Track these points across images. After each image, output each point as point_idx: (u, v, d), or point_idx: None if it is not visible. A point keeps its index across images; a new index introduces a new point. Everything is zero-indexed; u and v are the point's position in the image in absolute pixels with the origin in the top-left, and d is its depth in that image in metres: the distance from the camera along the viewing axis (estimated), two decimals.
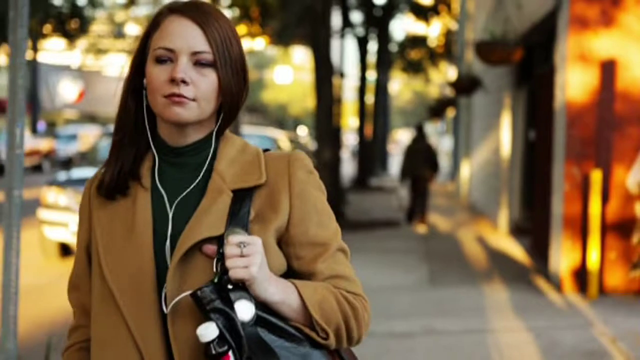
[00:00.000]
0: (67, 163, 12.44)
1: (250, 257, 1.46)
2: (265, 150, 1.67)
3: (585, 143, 7.94)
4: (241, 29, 23.44)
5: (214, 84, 1.57)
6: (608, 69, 7.86)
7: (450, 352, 6.01)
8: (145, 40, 1.62)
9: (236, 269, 1.45)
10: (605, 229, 7.85)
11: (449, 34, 30.47)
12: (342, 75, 24.37)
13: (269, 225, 1.57)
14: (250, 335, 1.46)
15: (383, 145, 34.50)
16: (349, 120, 45.40)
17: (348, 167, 30.70)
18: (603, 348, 5.99)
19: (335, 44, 20.54)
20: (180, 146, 1.62)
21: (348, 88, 37.14)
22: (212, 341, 1.44)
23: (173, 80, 1.55)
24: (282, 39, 26.00)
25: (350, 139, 43.46)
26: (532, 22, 9.96)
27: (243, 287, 1.47)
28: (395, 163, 39.28)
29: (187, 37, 1.57)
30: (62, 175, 10.28)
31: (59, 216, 9.58)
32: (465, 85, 14.24)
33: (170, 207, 1.60)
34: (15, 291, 3.52)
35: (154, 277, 1.55)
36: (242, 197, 1.58)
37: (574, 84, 7.94)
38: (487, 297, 7.94)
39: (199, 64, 1.57)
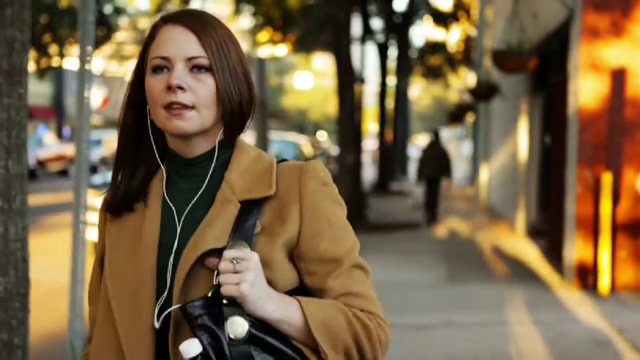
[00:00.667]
0: (93, 168, 12.95)
1: (242, 274, 1.41)
2: (282, 161, 1.62)
3: (597, 147, 8.35)
4: (263, 36, 23.98)
5: (211, 89, 1.54)
6: (618, 76, 8.27)
7: (467, 342, 6.44)
8: (143, 54, 1.60)
9: (227, 285, 1.41)
10: (615, 228, 8.25)
11: (468, 40, 30.83)
12: (362, 81, 24.82)
13: (275, 239, 1.52)
14: (242, 354, 1.42)
15: (403, 150, 34.89)
16: (370, 126, 45.82)
17: (369, 172, 31.13)
18: (609, 338, 6.40)
19: (356, 50, 20.97)
20: (191, 157, 1.59)
21: (369, 93, 37.55)
22: (195, 358, 1.40)
23: (169, 88, 1.52)
24: (303, 46, 26.51)
25: (370, 144, 43.87)
26: (547, 32, 10.38)
27: (238, 303, 1.43)
28: (414, 167, 39.69)
29: (181, 43, 1.54)
30: (97, 178, 10.78)
31: (94, 217, 10.08)
32: (483, 91, 14.66)
33: (179, 219, 1.57)
34: (82, 277, 4.01)
35: (153, 290, 1.52)
36: (249, 208, 1.53)
37: (585, 91, 8.36)
38: (502, 293, 8.36)
39: (195, 69, 1.54)
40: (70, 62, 43.50)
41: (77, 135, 3.93)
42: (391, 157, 28.64)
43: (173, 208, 1.58)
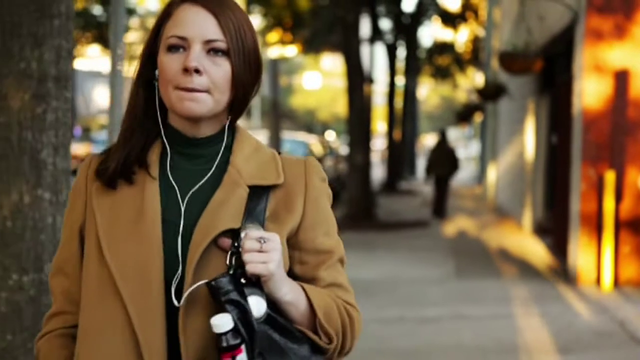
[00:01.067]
0: None
1: (269, 253, 1.44)
2: (279, 153, 1.65)
3: (600, 146, 8.61)
4: (273, 36, 24.28)
5: (227, 74, 1.53)
6: (621, 78, 8.53)
7: (474, 334, 6.70)
8: (157, 31, 1.58)
9: (254, 263, 1.43)
10: (618, 225, 8.51)
11: (476, 41, 31.06)
12: (371, 81, 25.09)
13: (284, 226, 1.56)
14: (261, 332, 1.44)
15: (412, 149, 35.13)
16: (378, 125, 46.06)
17: (377, 171, 31.38)
18: (611, 329, 6.67)
19: (365, 50, 21.25)
20: (194, 137, 1.58)
21: (377, 93, 37.80)
22: (226, 333, 1.40)
23: (186, 70, 1.51)
24: (312, 46, 26.79)
25: (378, 144, 44.13)
26: (553, 34, 10.64)
27: (256, 283, 1.45)
28: (423, 166, 39.97)
29: (200, 25, 1.52)
30: None
31: None
32: (491, 92, 14.93)
33: (183, 198, 1.56)
34: None
35: (161, 266, 1.50)
36: (258, 194, 1.56)
37: (589, 92, 8.62)
38: (509, 288, 8.63)
39: (212, 52, 1.52)
40: (81, 63, 43.90)
41: (110, 136, 4.21)
42: (400, 156, 28.89)
43: (175, 186, 1.57)
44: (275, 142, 16.78)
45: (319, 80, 57.91)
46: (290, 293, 1.49)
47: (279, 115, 17.84)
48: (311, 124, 65.59)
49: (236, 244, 1.47)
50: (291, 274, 1.58)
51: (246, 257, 1.44)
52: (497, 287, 8.72)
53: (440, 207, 16.22)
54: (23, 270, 3.05)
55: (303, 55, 32.79)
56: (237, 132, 1.63)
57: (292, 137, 18.84)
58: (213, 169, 1.58)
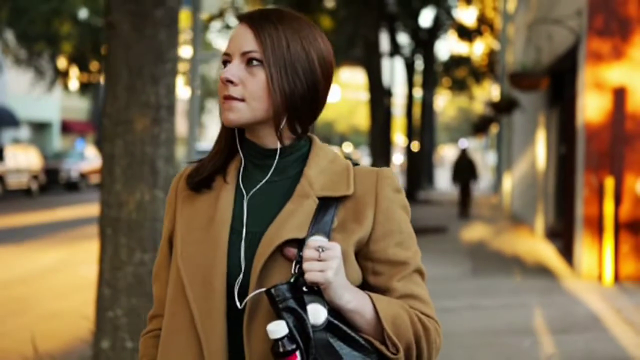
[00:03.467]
0: None
1: (327, 261, 1.47)
2: (355, 164, 1.67)
3: (601, 155, 9.59)
4: None
5: (261, 83, 1.58)
6: (619, 94, 9.53)
7: (488, 320, 7.68)
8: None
9: (312, 271, 1.46)
10: (618, 227, 9.48)
11: (491, 54, 31.89)
12: (390, 94, 26.01)
13: (351, 236, 1.58)
14: (320, 340, 1.47)
15: (430, 160, 35.94)
16: (397, 137, 46.96)
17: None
18: (608, 316, 7.63)
19: (384, 64, 22.20)
20: (266, 148, 1.64)
21: (396, 106, 38.73)
22: (281, 339, 1.45)
23: (224, 82, 1.59)
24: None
25: (397, 158, 45.06)
26: (559, 53, 11.64)
27: (318, 291, 1.49)
28: (441, 177, 40.90)
29: (239, 39, 1.60)
30: None
31: None
32: (504, 105, 15.94)
33: (250, 207, 1.62)
34: None
35: (224, 271, 1.56)
36: (327, 205, 1.59)
37: (591, 107, 9.61)
38: (520, 283, 9.61)
39: (250, 63, 1.59)
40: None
41: (190, 148, 5.24)
42: (418, 167, 29.72)
43: (245, 194, 1.63)
44: None
45: (338, 93, 58.85)
46: (353, 301, 1.51)
47: None
48: (329, 136, 66.57)
49: (300, 253, 1.52)
50: (366, 284, 1.61)
51: (305, 265, 1.48)
52: (509, 282, 9.70)
53: (465, 209, 19.04)
54: (144, 250, 4.09)
55: None
56: (312, 144, 1.67)
57: None
58: (267, 177, 1.64)
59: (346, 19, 20.97)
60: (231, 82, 1.58)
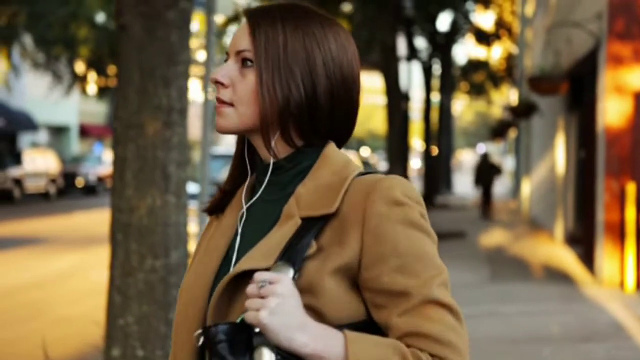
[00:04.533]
0: None
1: (265, 299, 1.24)
2: (366, 173, 1.41)
3: (622, 160, 9.44)
4: None
5: (250, 86, 1.39)
6: None
7: (507, 327, 7.55)
8: None
9: (250, 310, 1.25)
10: None
11: (509, 58, 31.78)
12: (407, 98, 25.94)
13: (328, 264, 1.32)
14: None
15: (447, 165, 35.83)
16: (414, 141, 46.86)
17: (414, 186, 32.13)
18: (631, 325, 7.48)
19: (401, 68, 22.14)
20: (267, 162, 1.43)
21: (413, 110, 38.63)
22: None
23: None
24: None
25: (414, 163, 44.96)
26: (578, 57, 11.49)
27: None
28: (459, 181, 40.75)
29: (237, 37, 1.43)
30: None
31: None
32: (523, 109, 15.79)
33: (243, 230, 1.44)
34: None
35: (203, 305, 1.41)
36: (310, 226, 1.34)
37: (611, 111, 9.46)
38: (539, 290, 9.46)
39: (244, 64, 1.41)
40: None
41: (203, 157, 5.17)
42: (436, 171, 29.61)
43: (244, 216, 1.45)
44: None
45: None
46: (310, 344, 1.26)
47: None
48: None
49: None
50: (372, 320, 1.35)
51: (246, 303, 1.26)
52: (529, 289, 9.56)
53: (487, 211, 20.18)
54: (155, 256, 4.01)
55: None
56: (321, 155, 1.42)
57: None
58: (257, 195, 1.45)
59: (363, 22, 20.92)
60: (220, 83, 1.41)
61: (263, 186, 1.44)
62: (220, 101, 1.41)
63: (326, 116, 1.41)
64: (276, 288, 1.25)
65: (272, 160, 1.42)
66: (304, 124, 1.40)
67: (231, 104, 1.41)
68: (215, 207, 1.51)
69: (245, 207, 1.45)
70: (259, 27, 1.40)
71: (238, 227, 1.44)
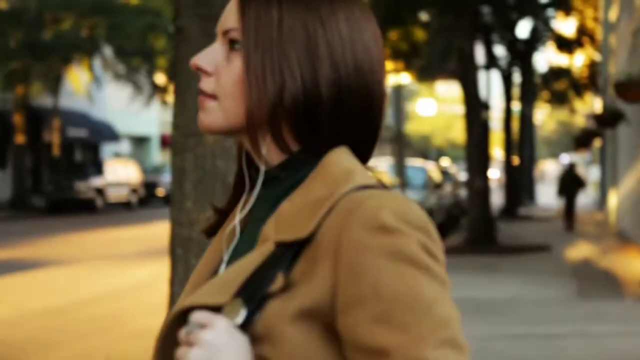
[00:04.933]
0: None
1: (190, 349, 1.01)
2: (365, 188, 1.07)
3: None
4: (388, 65, 24.93)
5: (235, 74, 1.10)
6: None
7: (598, 350, 7.03)
8: None
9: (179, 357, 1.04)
10: None
11: (592, 66, 30.87)
12: (487, 107, 25.37)
13: (289, 303, 1.03)
14: None
15: (530, 175, 35.03)
16: (495, 151, 46.02)
17: (495, 197, 31.52)
18: None
19: (480, 77, 21.65)
20: (265, 171, 1.15)
21: (493, 119, 37.89)
22: None
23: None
24: (427, 74, 27.27)
25: (494, 173, 44.14)
26: None
27: None
28: (542, 192, 39.76)
29: (224, 15, 1.14)
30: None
31: None
32: (608, 118, 15.10)
33: (231, 253, 1.17)
34: None
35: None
36: (281, 254, 1.06)
37: None
38: (632, 308, 8.87)
39: (232, 46, 1.12)
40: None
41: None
42: (518, 182, 28.91)
43: (237, 235, 1.17)
44: (400, 169, 17.35)
45: (434, 107, 58.22)
46: None
47: (403, 144, 18.44)
48: (426, 150, 65.86)
49: None
50: None
51: (178, 350, 1.04)
52: (621, 307, 8.98)
53: (569, 222, 19.94)
54: None
55: (417, 82, 33.28)
56: (320, 164, 1.10)
57: (411, 163, 19.48)
58: (246, 210, 1.17)
59: (440, 30, 20.52)
60: (203, 70, 1.12)
61: (252, 201, 1.14)
62: (202, 92, 1.12)
63: (330, 113, 1.10)
64: (205, 335, 1.00)
65: (262, 169, 1.12)
66: (301, 124, 1.10)
67: (214, 97, 1.12)
68: (215, 229, 1.23)
69: (228, 229, 1.18)
70: (249, 2, 1.11)
71: (224, 251, 1.17)
